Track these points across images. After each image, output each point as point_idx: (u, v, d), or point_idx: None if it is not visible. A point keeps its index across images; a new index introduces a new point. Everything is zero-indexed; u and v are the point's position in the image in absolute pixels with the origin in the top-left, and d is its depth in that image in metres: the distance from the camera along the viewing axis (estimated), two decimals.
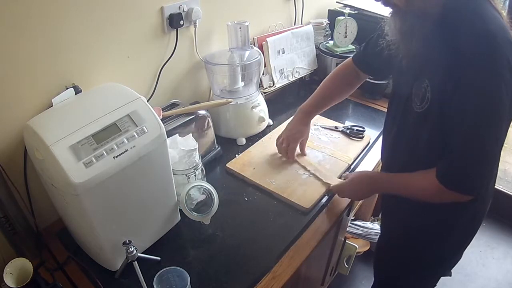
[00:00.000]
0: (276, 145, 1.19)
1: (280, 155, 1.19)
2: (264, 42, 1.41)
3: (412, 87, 0.83)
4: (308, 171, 1.13)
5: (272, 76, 1.45)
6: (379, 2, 0.76)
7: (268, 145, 1.25)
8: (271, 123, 1.39)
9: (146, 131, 0.77)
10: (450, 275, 1.05)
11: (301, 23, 1.68)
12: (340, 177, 1.11)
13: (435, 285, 1.10)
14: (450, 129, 0.74)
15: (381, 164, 1.12)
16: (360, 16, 1.57)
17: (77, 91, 0.88)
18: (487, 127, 0.70)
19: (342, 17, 1.54)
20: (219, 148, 1.21)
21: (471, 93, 0.69)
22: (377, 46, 0.90)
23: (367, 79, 1.17)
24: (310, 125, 1.19)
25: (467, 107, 0.70)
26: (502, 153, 0.85)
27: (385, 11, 0.80)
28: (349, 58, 1.13)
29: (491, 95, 0.68)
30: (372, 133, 1.32)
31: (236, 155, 1.21)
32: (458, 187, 0.76)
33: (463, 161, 0.74)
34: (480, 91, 0.68)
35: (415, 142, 0.85)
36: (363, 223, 1.61)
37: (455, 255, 1.00)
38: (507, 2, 1.45)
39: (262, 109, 1.30)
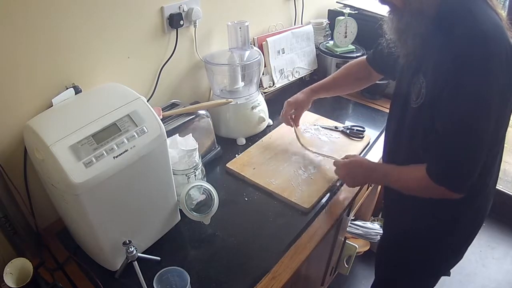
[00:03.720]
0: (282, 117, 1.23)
1: (279, 155, 1.20)
2: (264, 42, 1.41)
3: (410, 84, 0.84)
4: (312, 151, 1.17)
5: (272, 76, 1.45)
6: (378, 1, 0.77)
7: (268, 145, 1.25)
8: (271, 123, 1.39)
9: (146, 131, 0.77)
10: (449, 275, 1.05)
11: (301, 23, 1.68)
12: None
13: (435, 285, 1.10)
14: (439, 126, 0.75)
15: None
16: (360, 16, 1.57)
17: (77, 91, 0.88)
18: (475, 128, 0.71)
19: (342, 17, 1.54)
20: (219, 148, 1.21)
21: (461, 94, 0.69)
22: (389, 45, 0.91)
23: None
24: (311, 101, 1.22)
25: (456, 108, 0.71)
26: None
27: (385, 10, 0.82)
28: (363, 56, 1.15)
29: (480, 97, 0.68)
30: (372, 133, 1.32)
31: (236, 155, 1.21)
32: (445, 183, 0.78)
33: (450, 158, 0.76)
34: (469, 93, 0.69)
35: (413, 138, 0.85)
36: (363, 223, 1.61)
37: (457, 255, 1.00)
38: (507, 3, 1.45)
39: (262, 109, 1.30)
